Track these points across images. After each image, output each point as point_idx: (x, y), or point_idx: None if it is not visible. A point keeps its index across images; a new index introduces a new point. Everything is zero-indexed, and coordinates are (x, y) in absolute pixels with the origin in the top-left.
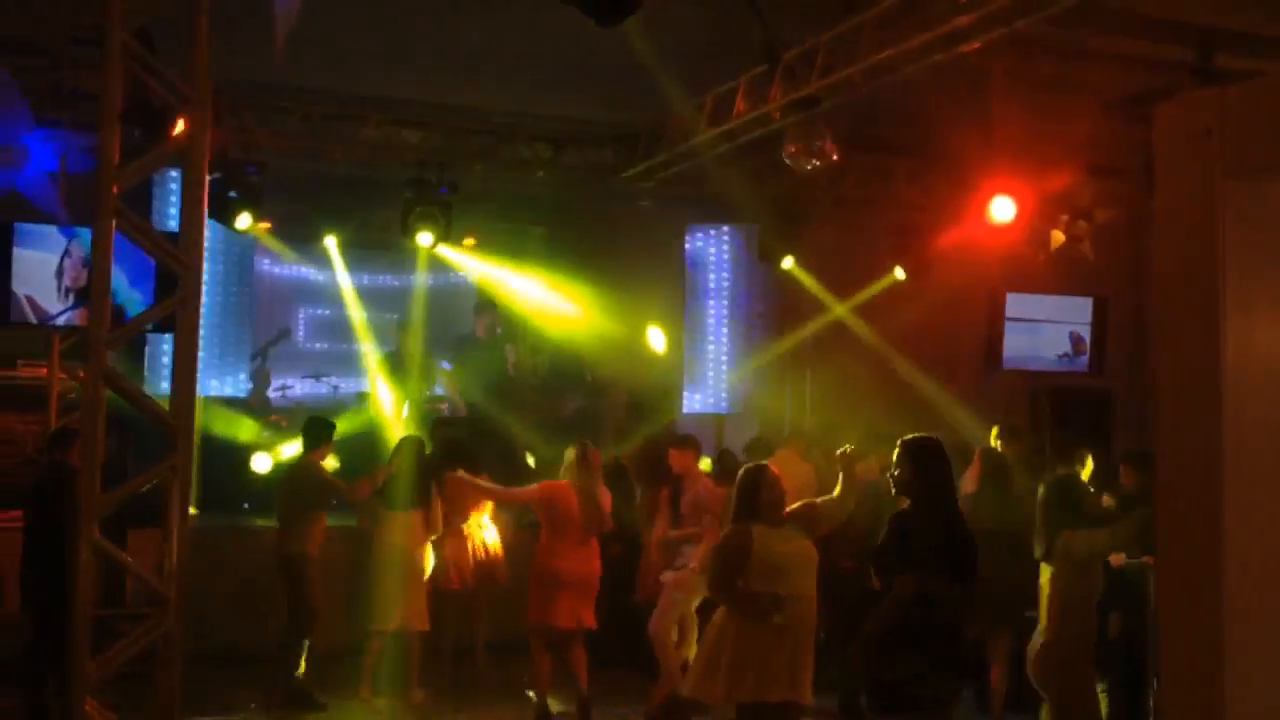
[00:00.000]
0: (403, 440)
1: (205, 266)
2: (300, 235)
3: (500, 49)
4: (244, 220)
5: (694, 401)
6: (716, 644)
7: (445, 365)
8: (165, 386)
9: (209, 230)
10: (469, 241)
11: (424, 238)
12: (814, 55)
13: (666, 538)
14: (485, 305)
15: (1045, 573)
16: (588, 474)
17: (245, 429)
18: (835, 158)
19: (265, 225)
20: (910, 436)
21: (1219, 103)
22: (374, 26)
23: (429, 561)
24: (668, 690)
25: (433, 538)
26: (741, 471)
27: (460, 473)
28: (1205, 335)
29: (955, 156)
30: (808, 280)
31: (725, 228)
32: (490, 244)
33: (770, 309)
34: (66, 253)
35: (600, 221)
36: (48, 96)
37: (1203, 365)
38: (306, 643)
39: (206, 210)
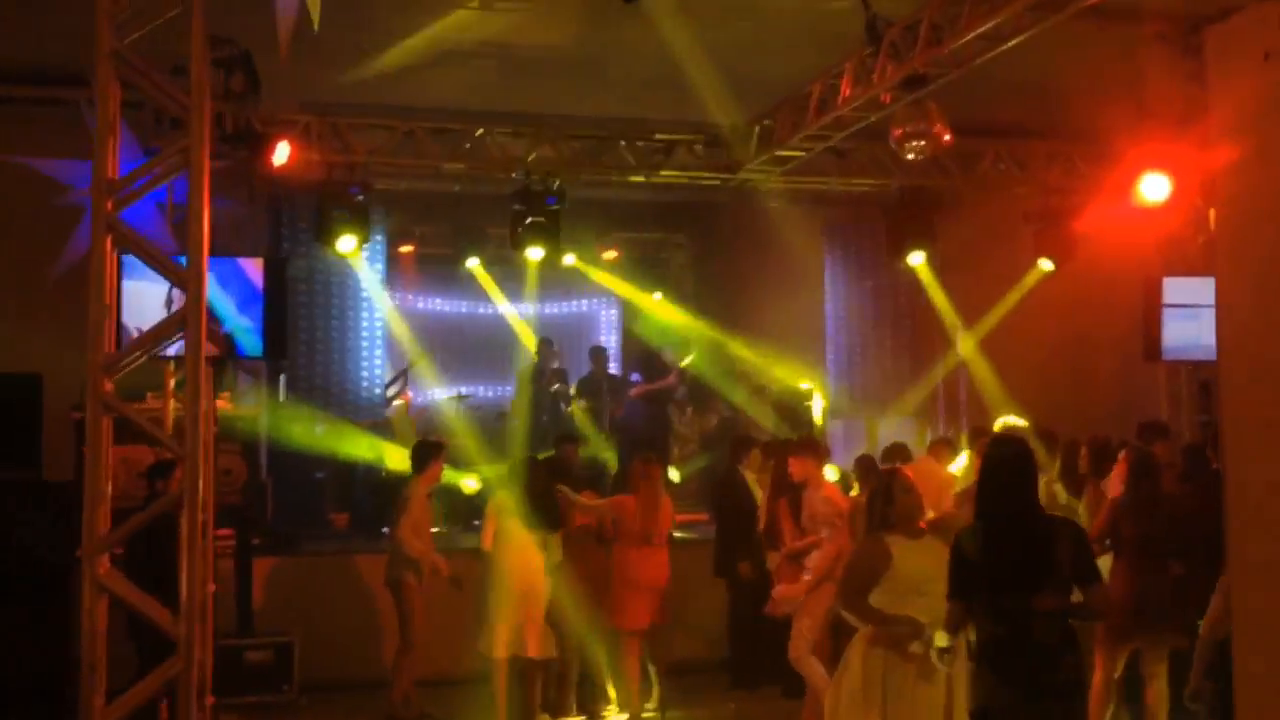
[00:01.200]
0: (518, 461)
1: (331, 295)
2: (442, 258)
3: (601, 54)
4: (347, 243)
5: (841, 405)
6: (861, 674)
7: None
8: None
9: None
10: (609, 255)
11: (534, 251)
12: (917, 30)
13: (788, 550)
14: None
15: None
16: (649, 485)
17: (389, 451)
18: (946, 140)
19: (409, 248)
20: (992, 437)
21: (1278, 20)
22: (473, 40)
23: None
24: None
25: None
26: (879, 478)
27: (561, 488)
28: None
29: (1100, 133)
30: (927, 277)
31: (865, 225)
32: (631, 256)
33: (915, 306)
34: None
35: (734, 226)
36: (151, 126)
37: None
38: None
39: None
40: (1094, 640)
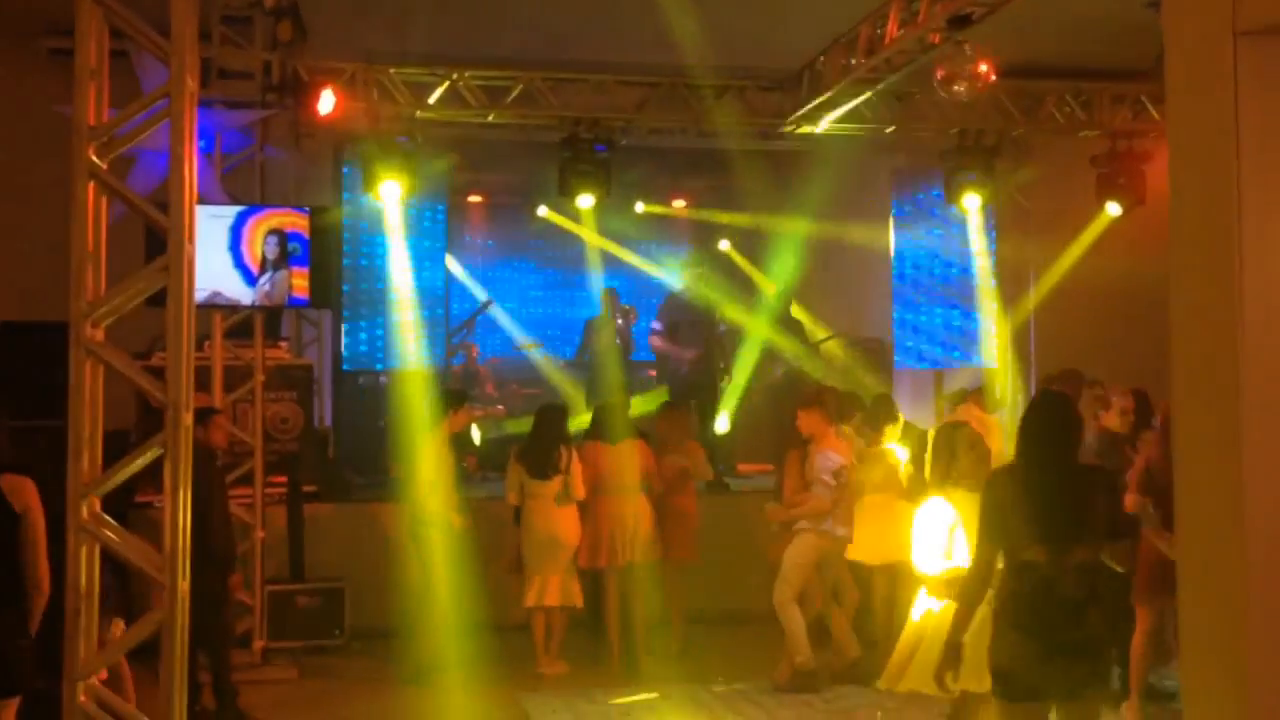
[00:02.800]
0: (542, 408)
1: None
2: (513, 206)
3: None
4: (392, 192)
5: (907, 356)
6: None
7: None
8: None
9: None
10: (679, 204)
11: (584, 199)
12: None
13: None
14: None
15: None
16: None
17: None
18: (993, 79)
19: (478, 198)
20: (1039, 391)
21: None
22: None
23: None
24: (796, 660)
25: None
26: (935, 431)
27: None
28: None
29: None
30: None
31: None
32: (702, 203)
33: (981, 254)
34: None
35: (800, 173)
36: (199, 76)
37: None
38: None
39: (193, 163)
40: (1134, 595)
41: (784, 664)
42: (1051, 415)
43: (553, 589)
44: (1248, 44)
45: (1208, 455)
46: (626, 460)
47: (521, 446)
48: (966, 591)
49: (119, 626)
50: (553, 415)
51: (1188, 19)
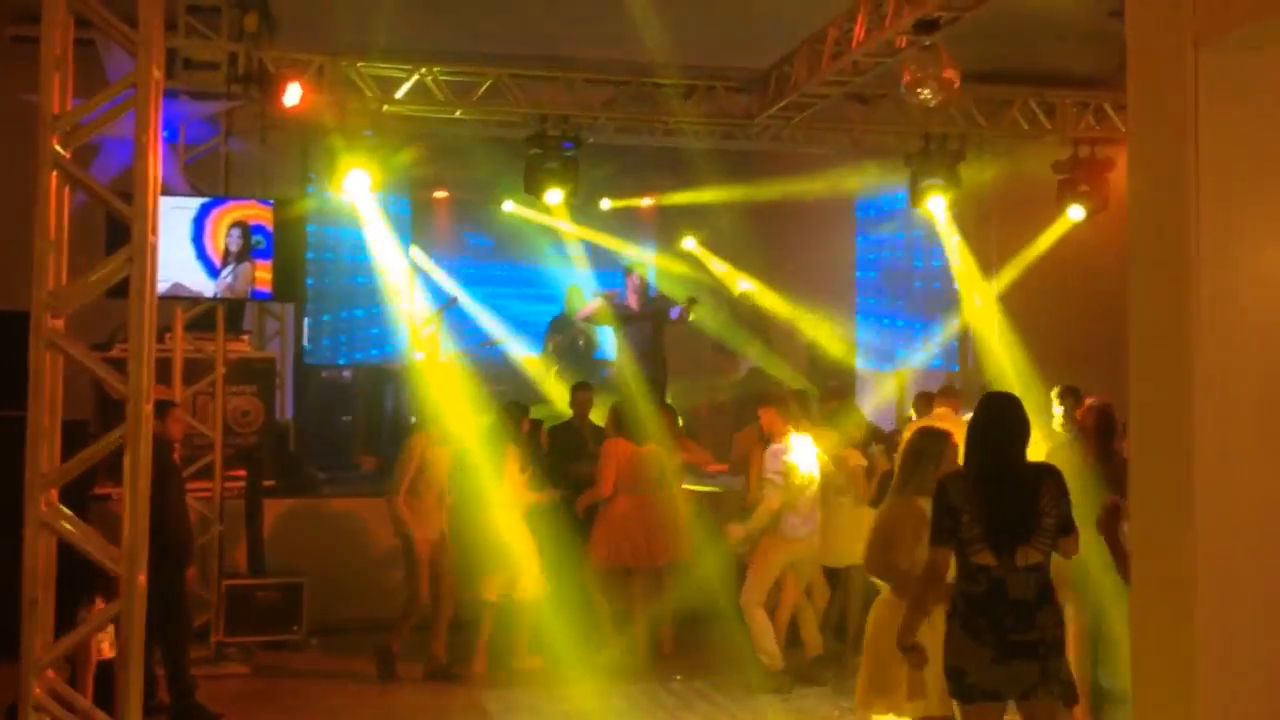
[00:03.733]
0: (502, 406)
1: (356, 240)
2: (477, 203)
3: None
4: (359, 186)
5: (869, 358)
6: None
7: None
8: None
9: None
10: (646, 202)
11: (553, 195)
12: None
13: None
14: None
15: None
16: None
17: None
18: (955, 85)
19: (442, 194)
20: (985, 394)
21: None
22: None
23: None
24: (762, 660)
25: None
26: (911, 435)
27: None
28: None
29: None
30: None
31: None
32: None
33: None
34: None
35: (767, 174)
36: (165, 66)
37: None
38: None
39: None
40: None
41: (753, 664)
42: (999, 416)
43: (510, 583)
44: (1207, 55)
45: (1161, 455)
46: (653, 459)
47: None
48: (917, 594)
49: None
50: (507, 416)
51: (1149, 29)
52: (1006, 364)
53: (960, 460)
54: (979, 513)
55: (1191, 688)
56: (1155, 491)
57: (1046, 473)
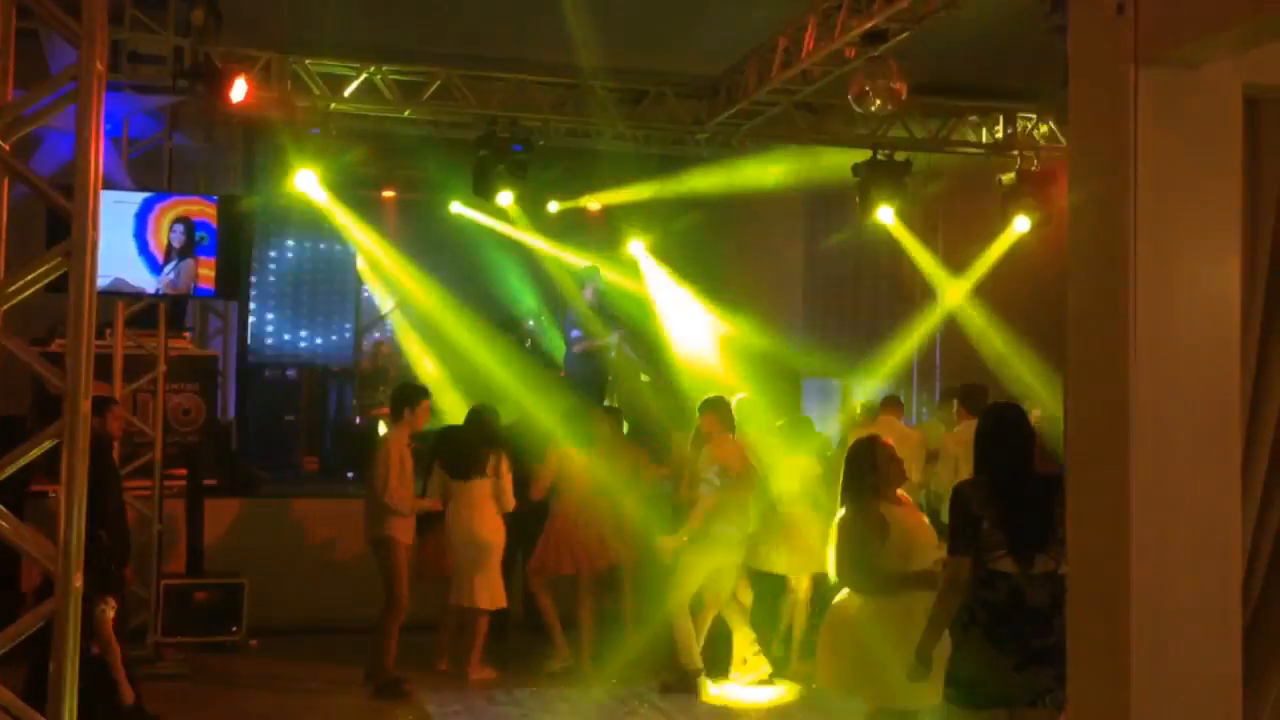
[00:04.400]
0: (472, 409)
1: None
2: (423, 203)
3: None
4: (306, 179)
5: (814, 366)
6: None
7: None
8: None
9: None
10: (593, 206)
11: (503, 196)
12: None
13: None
14: (590, 274)
15: None
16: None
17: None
18: (903, 96)
19: (389, 193)
20: (991, 404)
21: None
22: None
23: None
24: (681, 660)
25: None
26: (854, 444)
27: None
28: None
29: None
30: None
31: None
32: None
33: (890, 266)
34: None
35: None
36: (109, 59)
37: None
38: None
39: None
40: None
41: (673, 663)
42: (1013, 426)
43: (478, 590)
44: (1148, 72)
45: (1097, 470)
46: (599, 466)
47: (437, 447)
48: (944, 604)
49: (112, 607)
50: (479, 417)
51: (1090, 46)
52: (954, 375)
53: (902, 468)
54: (1000, 520)
55: (1127, 693)
56: (1092, 507)
57: (1058, 483)
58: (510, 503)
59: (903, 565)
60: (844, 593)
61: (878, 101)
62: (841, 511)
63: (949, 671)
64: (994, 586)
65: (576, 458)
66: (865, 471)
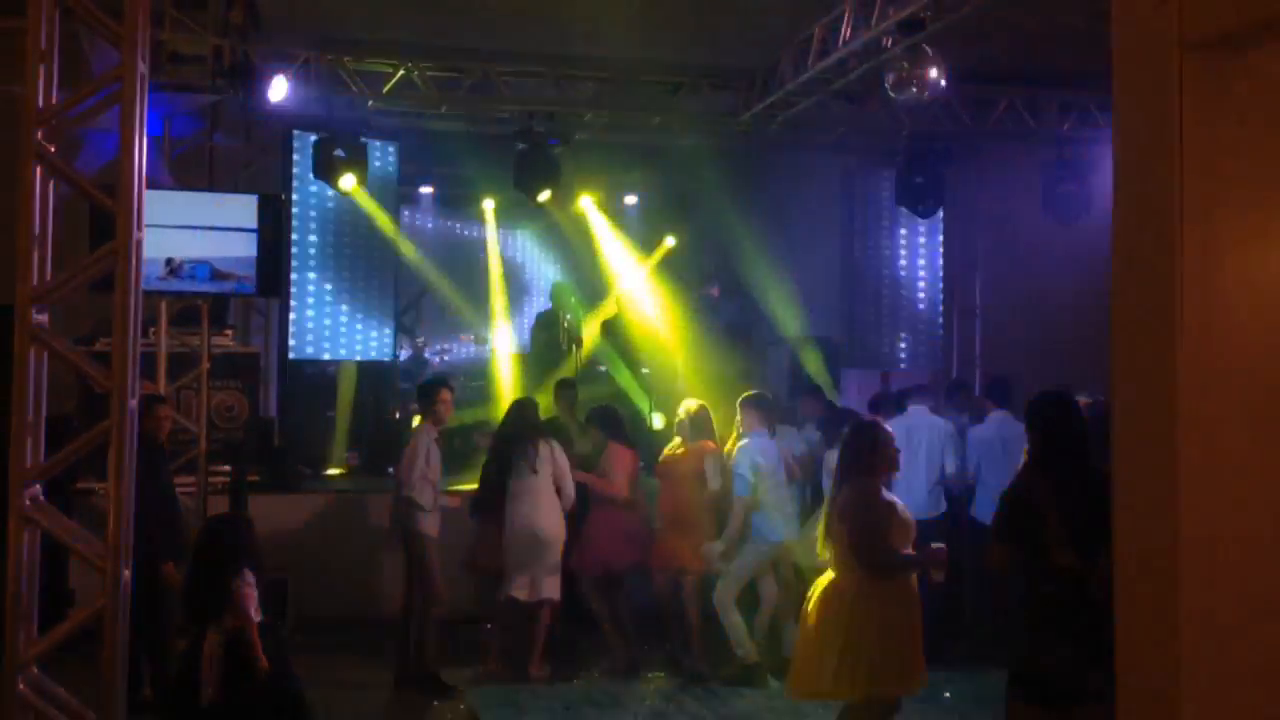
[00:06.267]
0: (515, 402)
1: (342, 233)
2: (460, 199)
3: None
4: (348, 181)
5: (855, 357)
6: (850, 637)
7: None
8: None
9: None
10: (629, 199)
11: (542, 192)
12: None
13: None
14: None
15: None
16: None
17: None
18: (941, 85)
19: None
20: (1039, 394)
21: None
22: None
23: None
24: (738, 653)
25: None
26: (853, 427)
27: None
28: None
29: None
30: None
31: (885, 172)
32: (652, 200)
33: (928, 256)
34: None
35: (754, 173)
36: (150, 60)
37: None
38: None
39: (143, 147)
40: None
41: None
42: (1075, 419)
43: (545, 584)
44: (1192, 57)
45: (1144, 461)
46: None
47: (495, 442)
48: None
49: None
50: (521, 410)
51: (1134, 30)
52: (994, 365)
53: (897, 456)
54: (1062, 513)
55: (1177, 688)
56: (1139, 495)
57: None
58: (572, 493)
59: (902, 548)
60: (827, 576)
61: (915, 91)
62: (835, 491)
63: (1014, 671)
64: (1055, 580)
65: (624, 454)
66: (864, 452)
